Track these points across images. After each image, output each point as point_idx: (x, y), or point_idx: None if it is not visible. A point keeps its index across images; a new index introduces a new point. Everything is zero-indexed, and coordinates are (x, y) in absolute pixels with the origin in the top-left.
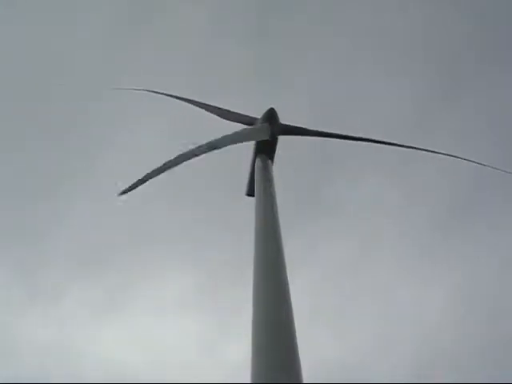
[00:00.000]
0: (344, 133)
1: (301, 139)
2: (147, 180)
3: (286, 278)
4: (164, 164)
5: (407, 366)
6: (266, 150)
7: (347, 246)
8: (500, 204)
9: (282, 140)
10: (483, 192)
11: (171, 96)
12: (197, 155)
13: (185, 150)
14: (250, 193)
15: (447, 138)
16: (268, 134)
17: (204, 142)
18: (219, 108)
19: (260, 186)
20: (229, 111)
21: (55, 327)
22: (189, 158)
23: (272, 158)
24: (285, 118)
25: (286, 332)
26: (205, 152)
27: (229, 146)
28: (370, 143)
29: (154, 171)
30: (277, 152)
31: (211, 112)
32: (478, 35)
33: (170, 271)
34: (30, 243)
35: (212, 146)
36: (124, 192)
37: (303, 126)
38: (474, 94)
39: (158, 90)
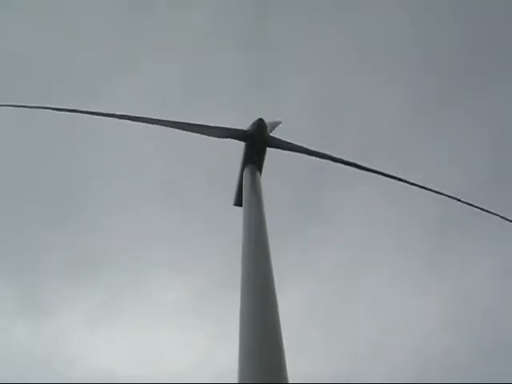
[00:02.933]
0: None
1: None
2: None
3: (274, 286)
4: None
5: (401, 373)
6: (254, 160)
7: (340, 254)
8: (495, 209)
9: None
10: (477, 202)
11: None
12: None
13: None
14: (238, 203)
15: (445, 145)
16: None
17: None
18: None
19: (248, 196)
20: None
21: (51, 334)
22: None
23: (260, 169)
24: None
25: (273, 337)
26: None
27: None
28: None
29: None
30: (267, 161)
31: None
32: (477, 41)
33: (167, 277)
34: (26, 248)
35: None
36: None
37: (293, 142)
38: (473, 100)
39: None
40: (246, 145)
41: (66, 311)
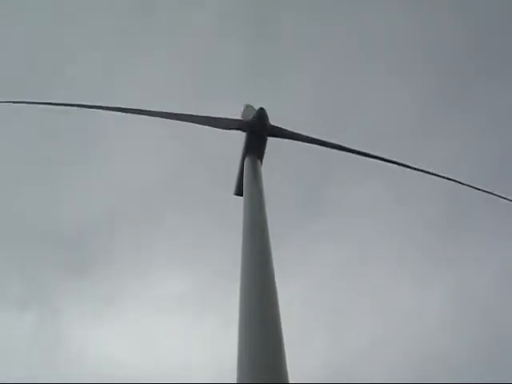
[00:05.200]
0: (341, 142)
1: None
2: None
3: (274, 278)
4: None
5: (405, 367)
6: (255, 150)
7: (345, 247)
8: (498, 208)
9: (280, 141)
10: (482, 196)
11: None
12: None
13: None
14: (239, 192)
15: (448, 141)
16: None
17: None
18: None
19: (249, 185)
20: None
21: (54, 327)
22: (167, 117)
23: (261, 158)
24: (284, 119)
25: (273, 332)
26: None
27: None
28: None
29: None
30: (273, 153)
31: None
32: (480, 39)
33: (169, 270)
34: (31, 239)
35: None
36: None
37: (294, 131)
38: (476, 97)
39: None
40: (246, 134)
41: (68, 304)
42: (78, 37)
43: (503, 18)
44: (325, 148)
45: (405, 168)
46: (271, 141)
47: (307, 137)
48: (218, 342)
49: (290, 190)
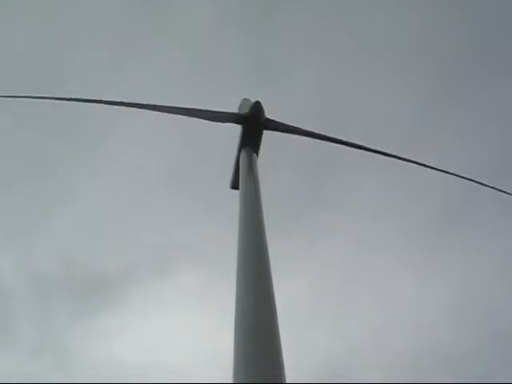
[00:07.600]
0: (339, 136)
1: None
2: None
3: (270, 273)
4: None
5: (405, 363)
6: (251, 143)
7: (346, 243)
8: (498, 205)
9: (276, 134)
10: (483, 193)
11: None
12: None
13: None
14: (235, 186)
15: (448, 138)
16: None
17: None
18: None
19: (244, 179)
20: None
21: (55, 325)
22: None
23: (257, 152)
24: (284, 118)
25: (269, 331)
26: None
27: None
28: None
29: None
30: (270, 147)
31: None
32: (480, 36)
33: (169, 269)
34: (29, 228)
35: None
36: None
37: (290, 124)
38: (475, 93)
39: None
40: (242, 127)
41: (69, 300)
42: (79, 36)
43: (503, 18)
44: (322, 141)
45: (404, 162)
46: (268, 133)
47: (303, 130)
48: (219, 341)
49: (288, 183)
